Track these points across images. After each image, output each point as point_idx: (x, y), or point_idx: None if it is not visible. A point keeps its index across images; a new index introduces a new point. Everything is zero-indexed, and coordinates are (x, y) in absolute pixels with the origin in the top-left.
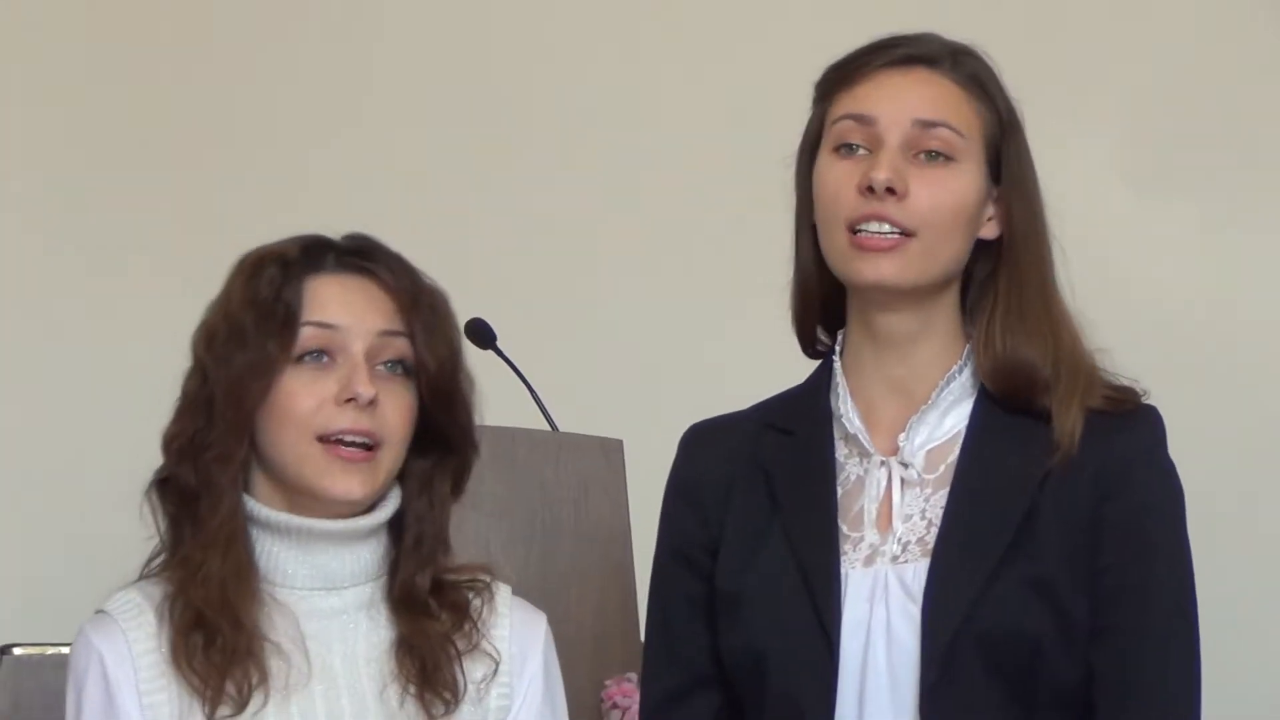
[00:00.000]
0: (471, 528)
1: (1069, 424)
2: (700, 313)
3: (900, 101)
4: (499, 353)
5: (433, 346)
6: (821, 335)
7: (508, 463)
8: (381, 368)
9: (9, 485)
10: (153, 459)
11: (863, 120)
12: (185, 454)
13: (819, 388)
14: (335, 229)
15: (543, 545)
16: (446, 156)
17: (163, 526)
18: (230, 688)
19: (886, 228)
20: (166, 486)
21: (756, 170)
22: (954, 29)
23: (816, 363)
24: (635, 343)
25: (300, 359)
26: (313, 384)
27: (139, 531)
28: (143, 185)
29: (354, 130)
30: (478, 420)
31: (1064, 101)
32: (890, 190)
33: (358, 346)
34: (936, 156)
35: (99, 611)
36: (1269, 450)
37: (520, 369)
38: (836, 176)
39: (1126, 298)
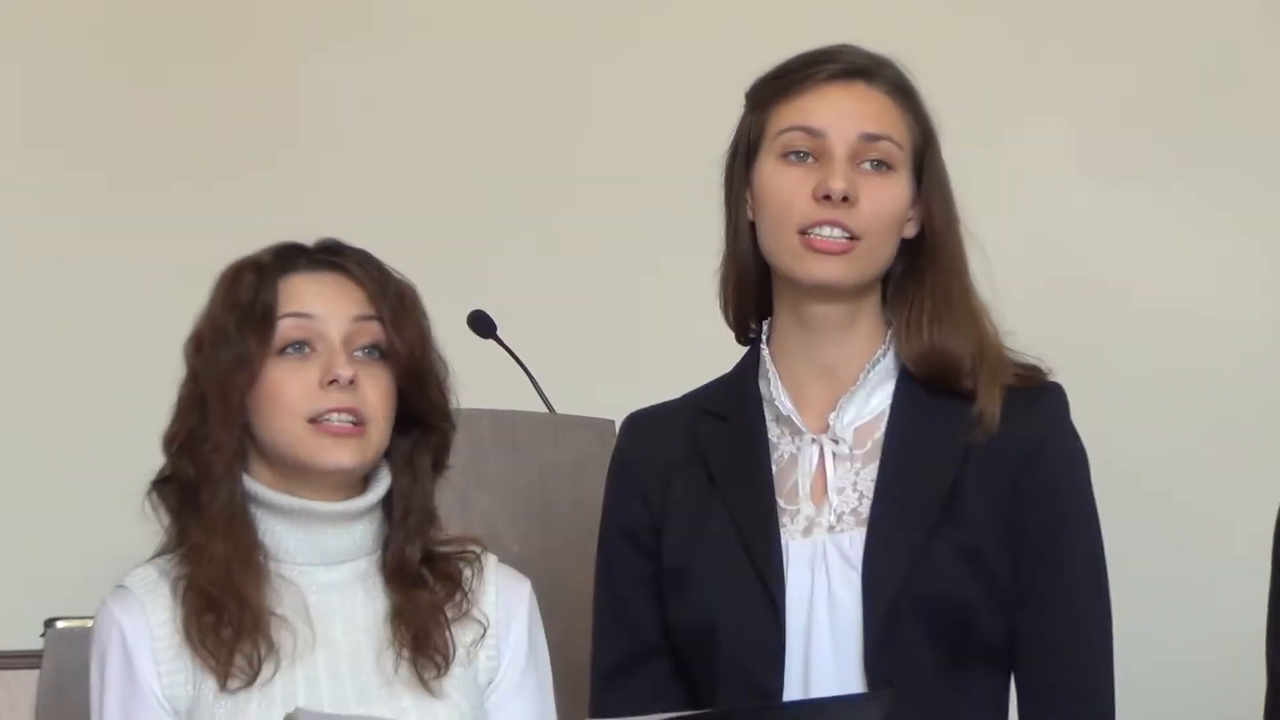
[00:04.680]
0: (477, 504)
1: (992, 405)
2: (685, 303)
3: (846, 115)
4: (500, 342)
5: (402, 330)
6: (752, 324)
7: (509, 444)
8: (359, 353)
9: (53, 465)
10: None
11: (812, 132)
12: (184, 450)
13: (746, 374)
14: (342, 226)
15: (542, 518)
16: (452, 159)
17: (166, 521)
18: (240, 661)
19: (838, 232)
20: (168, 485)
21: None
22: (930, 29)
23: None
24: (625, 331)
25: (283, 351)
26: (297, 373)
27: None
28: (153, 193)
29: (362, 130)
30: (454, 401)
31: (1034, 100)
32: (844, 198)
33: (334, 332)
34: (880, 166)
35: (119, 586)
36: (1230, 429)
37: (520, 356)
38: (787, 183)
39: (1095, 287)
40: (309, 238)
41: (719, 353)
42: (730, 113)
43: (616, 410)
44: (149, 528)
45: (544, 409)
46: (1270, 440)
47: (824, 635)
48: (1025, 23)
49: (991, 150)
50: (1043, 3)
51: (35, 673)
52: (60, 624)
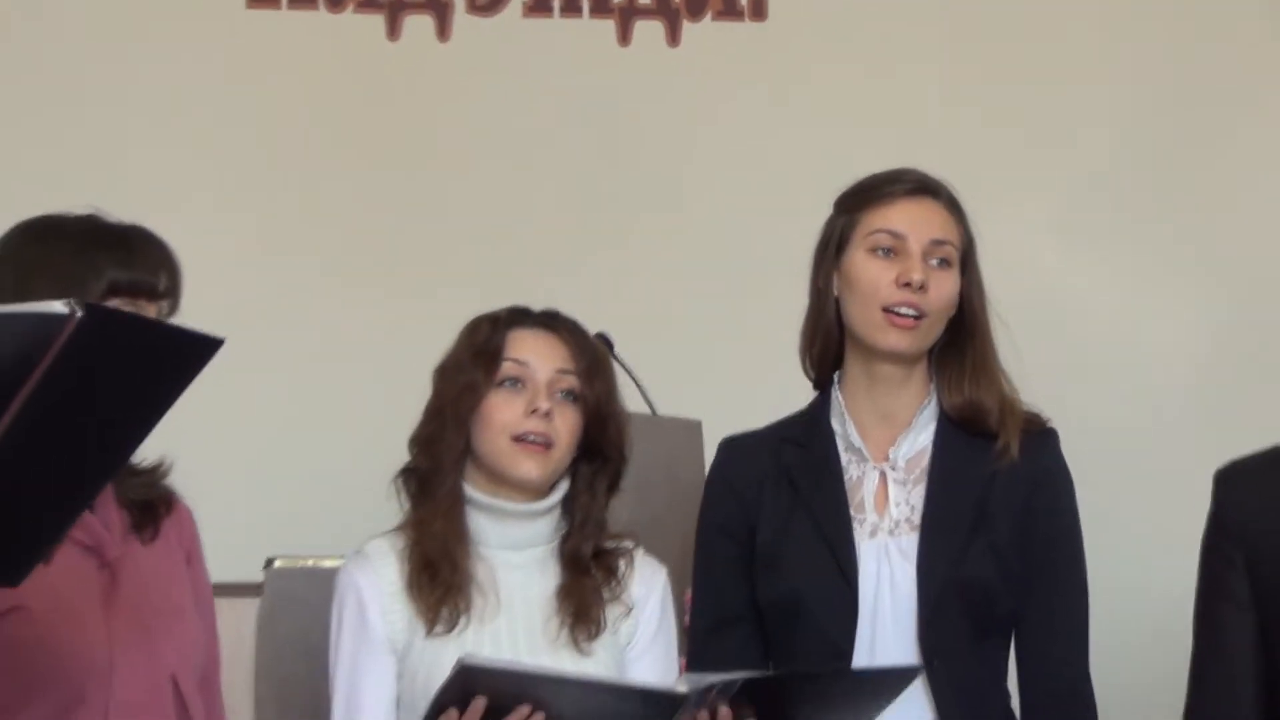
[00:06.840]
0: None
1: (1013, 445)
2: (756, 337)
3: (921, 224)
4: (616, 359)
5: (592, 383)
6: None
7: None
8: (559, 395)
9: (288, 431)
10: (384, 435)
11: (895, 235)
12: (424, 447)
13: (820, 412)
14: (494, 279)
15: (642, 498)
16: (589, 222)
17: (405, 503)
18: (445, 613)
19: (913, 312)
20: (410, 474)
21: (810, 227)
22: (927, 135)
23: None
24: (713, 352)
25: (501, 384)
26: (509, 401)
27: (372, 479)
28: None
29: (506, 199)
30: (629, 441)
31: (1016, 182)
32: (921, 286)
33: (541, 377)
34: (943, 263)
35: (358, 552)
36: (1163, 444)
37: (631, 369)
38: (875, 271)
39: (1061, 329)
40: (535, 301)
41: (781, 373)
42: (804, 174)
43: (703, 412)
44: (356, 492)
45: (648, 410)
46: (1199, 447)
47: (887, 610)
48: (1002, 117)
49: (978, 224)
50: (1018, 103)
51: (255, 601)
52: (278, 563)
